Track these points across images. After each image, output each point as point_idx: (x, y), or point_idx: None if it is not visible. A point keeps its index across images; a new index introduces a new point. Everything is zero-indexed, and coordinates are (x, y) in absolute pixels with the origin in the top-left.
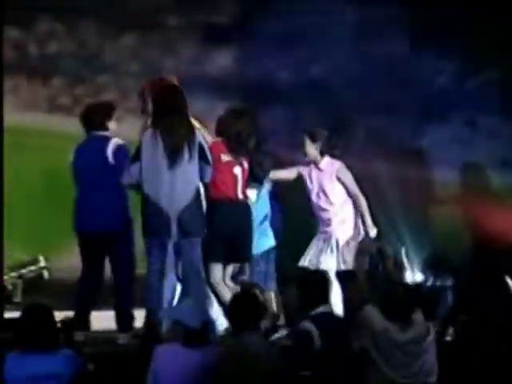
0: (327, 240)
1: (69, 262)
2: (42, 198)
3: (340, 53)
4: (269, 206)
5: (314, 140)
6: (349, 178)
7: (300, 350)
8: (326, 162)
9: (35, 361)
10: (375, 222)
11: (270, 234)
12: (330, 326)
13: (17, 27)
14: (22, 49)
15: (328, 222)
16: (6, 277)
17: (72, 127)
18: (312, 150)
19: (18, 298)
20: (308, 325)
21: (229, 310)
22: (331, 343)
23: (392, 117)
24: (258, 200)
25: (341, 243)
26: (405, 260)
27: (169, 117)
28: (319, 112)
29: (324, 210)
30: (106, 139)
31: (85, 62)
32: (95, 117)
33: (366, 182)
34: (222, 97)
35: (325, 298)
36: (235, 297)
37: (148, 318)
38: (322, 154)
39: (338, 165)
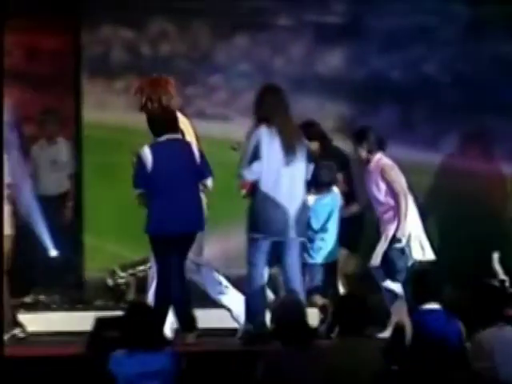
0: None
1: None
2: None
3: (451, 51)
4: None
5: (360, 140)
6: (393, 175)
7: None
8: (375, 159)
9: (143, 359)
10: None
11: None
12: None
13: (130, 28)
14: (135, 50)
15: (381, 221)
16: (120, 275)
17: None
18: (361, 151)
19: (131, 297)
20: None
21: (336, 311)
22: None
23: (504, 116)
24: (320, 206)
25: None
26: (498, 267)
27: (281, 115)
28: (430, 111)
29: (376, 208)
30: (182, 141)
31: (196, 63)
32: (170, 119)
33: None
34: (332, 97)
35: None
36: (343, 299)
37: (251, 318)
38: (371, 152)
39: (383, 162)
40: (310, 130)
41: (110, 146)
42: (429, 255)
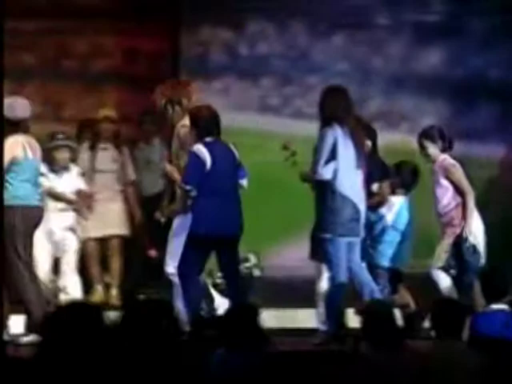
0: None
1: (281, 260)
2: (253, 197)
3: None
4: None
5: (434, 140)
6: (458, 175)
7: None
8: (440, 159)
9: (241, 358)
10: None
11: None
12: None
13: (228, 29)
14: (233, 50)
15: (441, 221)
16: (218, 275)
17: (280, 127)
18: (433, 150)
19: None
20: None
21: (435, 314)
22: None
23: None
24: (405, 209)
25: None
26: None
27: (351, 116)
28: None
29: (436, 208)
30: (223, 142)
31: (294, 62)
32: (216, 120)
33: None
34: (431, 95)
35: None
36: (440, 302)
37: (331, 318)
38: (442, 151)
39: (448, 162)
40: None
41: None
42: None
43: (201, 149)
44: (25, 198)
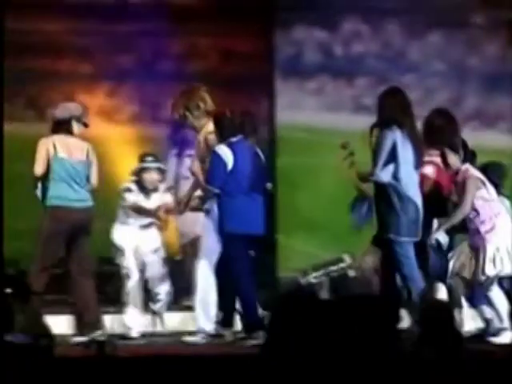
0: None
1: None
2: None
3: None
4: None
5: (456, 150)
6: (469, 187)
7: None
8: (462, 169)
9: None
10: None
11: None
12: None
13: (322, 28)
14: (327, 50)
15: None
16: (313, 275)
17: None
18: (454, 160)
19: (325, 297)
20: None
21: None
22: None
23: None
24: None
25: None
26: None
27: (410, 118)
28: None
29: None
30: (250, 143)
31: (389, 62)
32: (240, 120)
33: None
34: None
35: None
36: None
37: None
38: (464, 162)
39: (470, 172)
40: None
41: (303, 146)
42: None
43: (223, 149)
44: (56, 198)
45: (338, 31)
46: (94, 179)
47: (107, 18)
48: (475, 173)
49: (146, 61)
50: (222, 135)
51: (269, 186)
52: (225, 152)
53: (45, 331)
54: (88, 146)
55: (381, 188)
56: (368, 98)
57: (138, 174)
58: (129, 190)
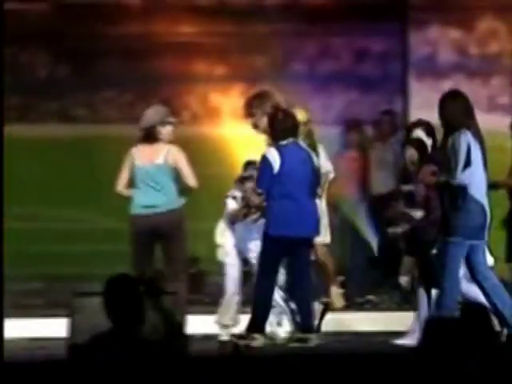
0: None
1: None
2: None
3: None
4: None
5: (430, 134)
6: None
7: None
8: None
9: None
10: None
11: None
12: None
13: (457, 28)
14: (462, 49)
15: None
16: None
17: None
18: (428, 143)
19: None
20: None
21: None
22: None
23: None
24: None
25: None
26: None
27: (474, 120)
28: None
29: None
30: (302, 146)
31: None
32: (293, 123)
33: None
34: None
35: None
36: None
37: None
38: None
39: None
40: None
41: None
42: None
43: (271, 152)
44: (133, 206)
45: (472, 30)
46: (190, 181)
47: (241, 19)
48: None
49: (279, 62)
50: (274, 138)
51: (319, 191)
52: (273, 155)
53: (179, 330)
54: (168, 149)
55: (454, 190)
56: (503, 97)
57: (242, 181)
58: (234, 197)
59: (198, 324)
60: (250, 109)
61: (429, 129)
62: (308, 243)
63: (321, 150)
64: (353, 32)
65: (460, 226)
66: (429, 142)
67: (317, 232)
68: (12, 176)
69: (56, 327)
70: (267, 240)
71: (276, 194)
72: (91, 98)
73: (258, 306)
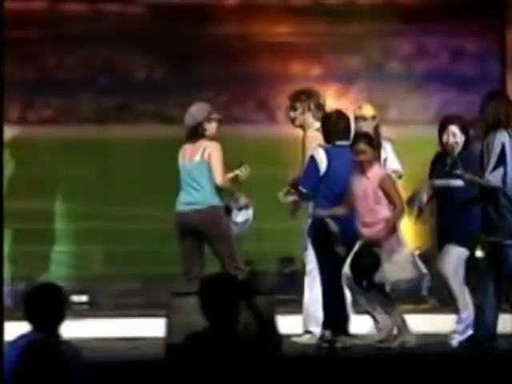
0: None
1: None
2: None
3: None
4: None
5: (463, 130)
6: None
7: None
8: None
9: None
10: None
11: None
12: None
13: None
14: None
15: None
16: None
17: None
18: (462, 139)
19: None
20: None
21: None
22: None
23: None
24: None
25: None
26: None
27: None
28: None
29: None
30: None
31: None
32: (346, 125)
33: None
34: None
35: None
36: None
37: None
38: None
39: None
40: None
41: None
42: None
43: (319, 152)
44: (177, 204)
45: None
46: (217, 178)
47: (336, 19)
48: None
49: (374, 62)
50: (325, 138)
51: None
52: (320, 156)
53: (273, 330)
54: (206, 146)
55: (488, 192)
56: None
57: None
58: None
59: (295, 324)
60: (295, 102)
61: (463, 125)
62: (350, 246)
63: (388, 148)
64: (449, 31)
65: (501, 227)
66: (463, 138)
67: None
68: (111, 176)
69: (153, 327)
70: (313, 241)
71: (319, 195)
72: (188, 99)
73: (337, 308)
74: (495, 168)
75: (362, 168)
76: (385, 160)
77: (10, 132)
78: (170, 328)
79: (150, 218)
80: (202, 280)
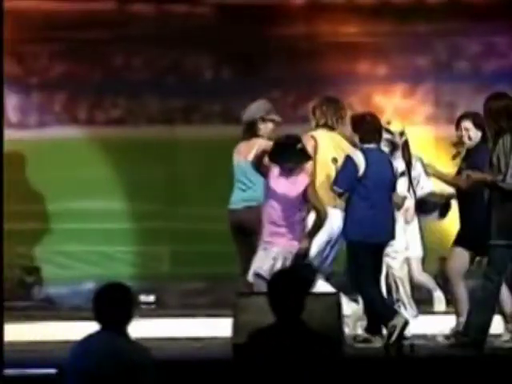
0: None
1: None
2: None
3: None
4: None
5: (478, 125)
6: None
7: None
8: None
9: None
10: None
11: None
12: None
13: None
14: None
15: None
16: None
17: None
18: (476, 134)
19: None
20: None
21: None
22: None
23: None
24: None
25: None
26: None
27: None
28: None
29: None
30: (386, 154)
31: None
32: (379, 128)
33: None
34: None
35: None
36: None
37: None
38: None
39: None
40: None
41: None
42: None
43: (357, 154)
44: (231, 202)
45: None
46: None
47: (403, 18)
48: None
49: (442, 61)
50: (360, 139)
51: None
52: (359, 157)
53: (335, 329)
54: (260, 144)
55: (505, 194)
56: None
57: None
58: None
59: None
60: (320, 108)
61: (477, 120)
62: (382, 249)
63: (419, 167)
64: None
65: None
66: (478, 134)
67: (392, 237)
68: (178, 176)
69: (220, 327)
70: (348, 244)
71: (356, 196)
72: (254, 100)
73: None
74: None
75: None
76: (417, 180)
77: (78, 132)
78: (236, 328)
79: (217, 218)
80: (272, 275)
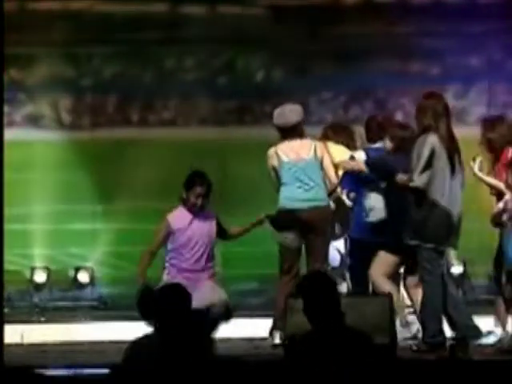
0: None
1: None
2: None
3: None
4: None
5: None
6: None
7: None
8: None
9: None
10: None
11: None
12: None
13: None
14: None
15: None
16: None
17: None
18: None
19: None
20: None
21: None
22: None
23: None
24: None
25: None
26: None
27: (445, 124)
28: None
29: None
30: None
31: None
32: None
33: None
34: None
35: None
36: None
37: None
38: None
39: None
40: None
41: None
42: None
43: (359, 153)
44: (286, 199)
45: None
46: (332, 176)
47: (456, 18)
48: None
49: (495, 61)
50: (368, 139)
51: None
52: (359, 157)
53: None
54: (316, 145)
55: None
56: None
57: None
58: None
59: None
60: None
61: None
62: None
63: None
64: None
65: (429, 231)
66: None
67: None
68: (230, 177)
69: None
70: (352, 243)
71: (357, 196)
72: (306, 100)
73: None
74: (422, 171)
75: None
76: None
77: (130, 133)
78: (288, 328)
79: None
80: (304, 280)
